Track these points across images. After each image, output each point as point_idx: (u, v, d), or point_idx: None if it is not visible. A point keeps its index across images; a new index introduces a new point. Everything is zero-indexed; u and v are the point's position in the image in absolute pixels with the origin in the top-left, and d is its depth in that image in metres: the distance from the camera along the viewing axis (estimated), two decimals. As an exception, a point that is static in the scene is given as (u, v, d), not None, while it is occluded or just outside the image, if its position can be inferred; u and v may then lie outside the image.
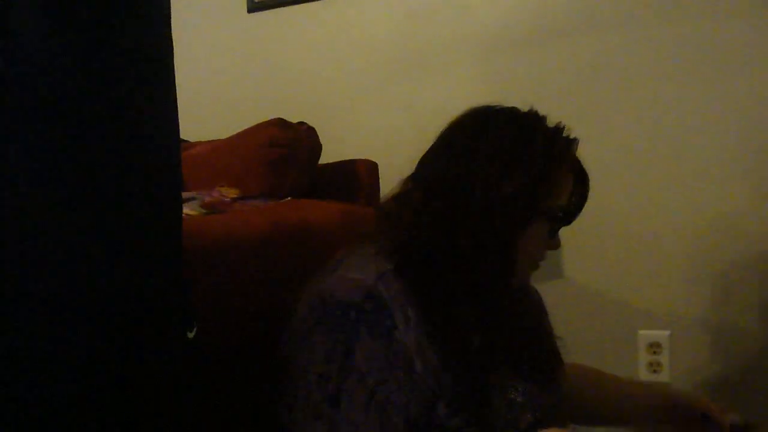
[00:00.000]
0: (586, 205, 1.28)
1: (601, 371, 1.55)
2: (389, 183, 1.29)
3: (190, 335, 0.94)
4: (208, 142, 2.19)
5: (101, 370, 0.79)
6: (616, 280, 2.09)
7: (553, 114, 1.23)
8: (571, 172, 1.25)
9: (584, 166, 1.27)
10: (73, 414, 0.77)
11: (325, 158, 2.16)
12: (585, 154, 1.25)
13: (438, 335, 1.13)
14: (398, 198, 1.25)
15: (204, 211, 1.58)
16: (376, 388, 1.08)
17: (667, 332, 2.05)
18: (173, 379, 0.90)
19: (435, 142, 1.26)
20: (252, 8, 2.58)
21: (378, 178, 2.13)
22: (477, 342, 1.18)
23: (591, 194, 1.27)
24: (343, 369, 1.08)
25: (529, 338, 1.34)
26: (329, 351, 1.09)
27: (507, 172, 1.16)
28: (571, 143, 1.24)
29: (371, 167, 2.12)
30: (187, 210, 1.56)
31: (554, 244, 1.26)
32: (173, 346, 0.90)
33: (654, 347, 2.06)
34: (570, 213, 1.26)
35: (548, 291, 1.49)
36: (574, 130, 1.23)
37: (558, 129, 1.23)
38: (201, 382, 0.96)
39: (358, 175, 2.08)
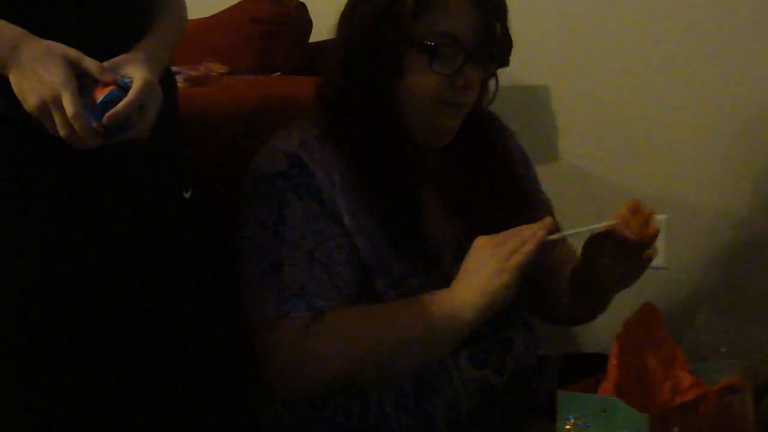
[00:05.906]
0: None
1: None
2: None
3: (186, 195, 1.14)
4: (192, 20, 2.11)
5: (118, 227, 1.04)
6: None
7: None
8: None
9: None
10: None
11: (317, 36, 2.05)
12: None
13: (372, 198, 1.17)
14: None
15: (188, 84, 1.51)
16: (315, 248, 1.13)
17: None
18: (175, 230, 1.12)
19: None
20: None
21: (372, 57, 2.02)
22: (413, 198, 1.21)
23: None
24: (277, 236, 1.13)
25: (485, 199, 1.26)
26: (263, 221, 1.15)
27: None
28: None
29: (365, 45, 2.02)
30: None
31: (459, 80, 1.16)
32: (173, 203, 1.13)
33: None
34: (465, 43, 1.16)
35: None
36: None
37: None
38: (197, 238, 1.17)
39: (351, 53, 1.99)
